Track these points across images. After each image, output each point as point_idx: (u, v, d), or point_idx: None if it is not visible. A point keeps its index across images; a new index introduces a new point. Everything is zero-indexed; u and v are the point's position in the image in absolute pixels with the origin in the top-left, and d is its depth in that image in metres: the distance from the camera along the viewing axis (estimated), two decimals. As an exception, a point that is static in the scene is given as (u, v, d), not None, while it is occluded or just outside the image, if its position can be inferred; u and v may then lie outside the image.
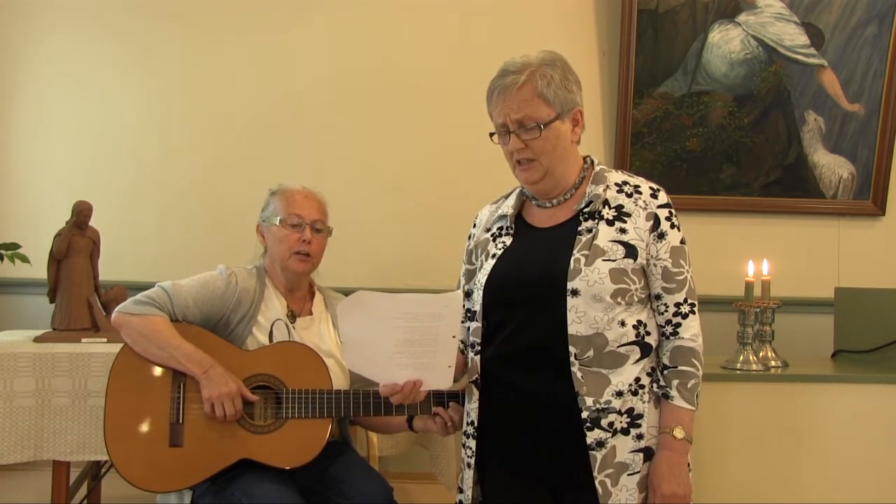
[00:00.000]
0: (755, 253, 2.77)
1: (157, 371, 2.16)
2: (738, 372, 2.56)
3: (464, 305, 1.96)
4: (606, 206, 1.88)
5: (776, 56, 3.21)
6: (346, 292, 2.42)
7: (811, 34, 3.20)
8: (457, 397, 2.10)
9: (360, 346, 1.91)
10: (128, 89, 3.20)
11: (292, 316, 2.33)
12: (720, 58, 3.20)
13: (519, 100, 1.85)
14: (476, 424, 1.93)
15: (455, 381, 1.98)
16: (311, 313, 2.38)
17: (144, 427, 2.11)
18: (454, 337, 1.89)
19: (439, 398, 2.12)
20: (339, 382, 2.26)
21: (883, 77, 3.19)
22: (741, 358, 2.59)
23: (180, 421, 2.12)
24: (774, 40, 3.20)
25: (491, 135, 1.94)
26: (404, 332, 1.87)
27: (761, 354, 2.64)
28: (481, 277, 1.94)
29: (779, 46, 3.21)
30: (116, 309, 2.21)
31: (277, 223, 2.31)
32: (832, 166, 3.26)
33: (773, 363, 2.63)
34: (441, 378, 1.94)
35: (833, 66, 3.21)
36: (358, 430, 2.51)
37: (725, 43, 3.20)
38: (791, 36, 3.20)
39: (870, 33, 3.19)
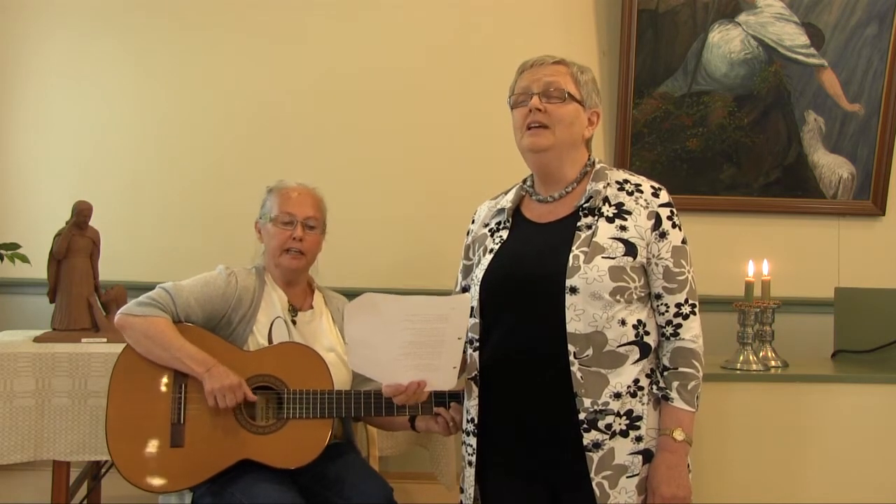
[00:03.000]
0: (755, 253, 2.77)
1: (159, 371, 2.16)
2: (738, 372, 2.56)
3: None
4: (606, 204, 1.88)
5: (776, 56, 3.21)
6: (347, 292, 2.44)
7: (811, 34, 3.20)
8: (458, 397, 2.10)
9: (366, 347, 1.91)
10: (128, 89, 3.19)
11: (294, 310, 2.33)
12: (720, 58, 3.20)
13: (553, 70, 1.91)
14: (476, 422, 1.93)
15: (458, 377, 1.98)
16: (311, 307, 2.38)
17: (146, 427, 2.12)
18: (460, 338, 1.89)
19: (440, 398, 2.12)
20: (341, 376, 2.26)
21: (883, 77, 3.19)
22: (741, 358, 2.60)
23: (181, 421, 2.12)
24: (774, 40, 3.20)
25: (509, 100, 1.95)
26: (411, 334, 1.88)
27: (761, 354, 2.64)
28: (478, 273, 1.93)
29: (779, 46, 3.21)
30: (119, 311, 2.22)
31: (270, 221, 2.33)
32: (832, 166, 3.26)
33: (773, 363, 2.64)
34: (445, 379, 1.94)
35: (833, 66, 3.21)
36: (359, 428, 2.51)
37: (725, 43, 3.20)
38: (791, 36, 3.20)
39: (870, 33, 3.19)
